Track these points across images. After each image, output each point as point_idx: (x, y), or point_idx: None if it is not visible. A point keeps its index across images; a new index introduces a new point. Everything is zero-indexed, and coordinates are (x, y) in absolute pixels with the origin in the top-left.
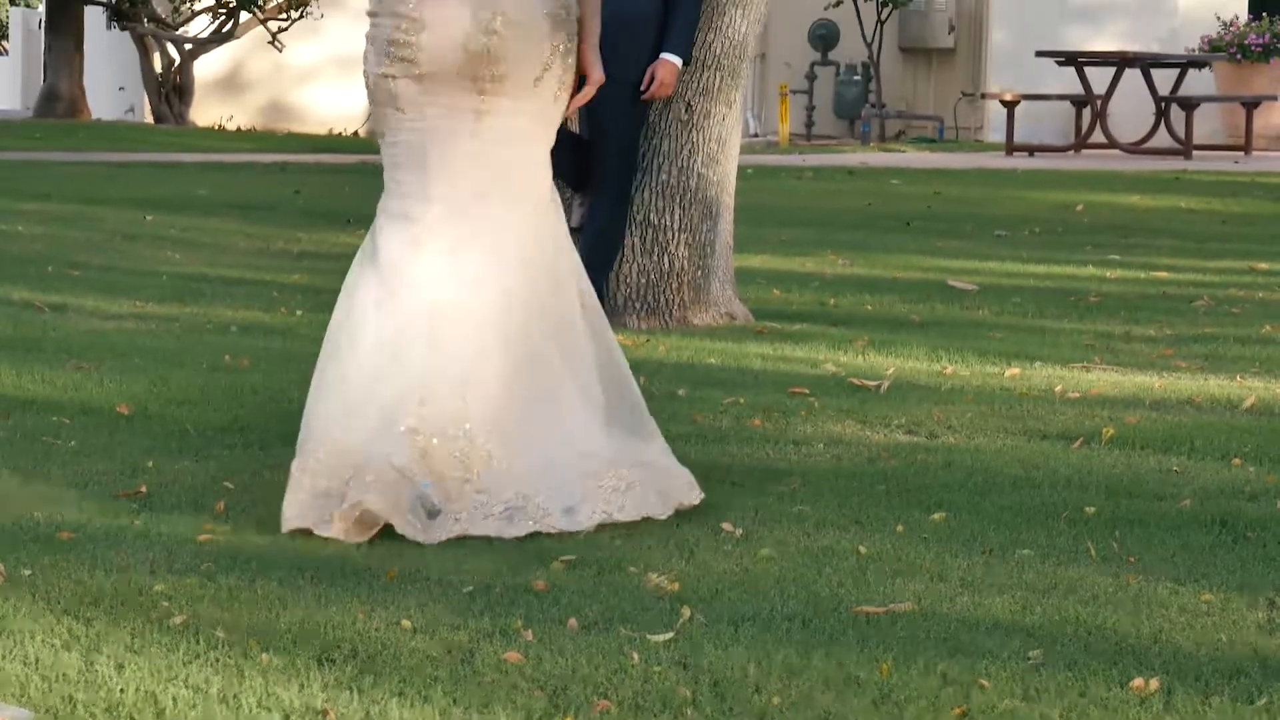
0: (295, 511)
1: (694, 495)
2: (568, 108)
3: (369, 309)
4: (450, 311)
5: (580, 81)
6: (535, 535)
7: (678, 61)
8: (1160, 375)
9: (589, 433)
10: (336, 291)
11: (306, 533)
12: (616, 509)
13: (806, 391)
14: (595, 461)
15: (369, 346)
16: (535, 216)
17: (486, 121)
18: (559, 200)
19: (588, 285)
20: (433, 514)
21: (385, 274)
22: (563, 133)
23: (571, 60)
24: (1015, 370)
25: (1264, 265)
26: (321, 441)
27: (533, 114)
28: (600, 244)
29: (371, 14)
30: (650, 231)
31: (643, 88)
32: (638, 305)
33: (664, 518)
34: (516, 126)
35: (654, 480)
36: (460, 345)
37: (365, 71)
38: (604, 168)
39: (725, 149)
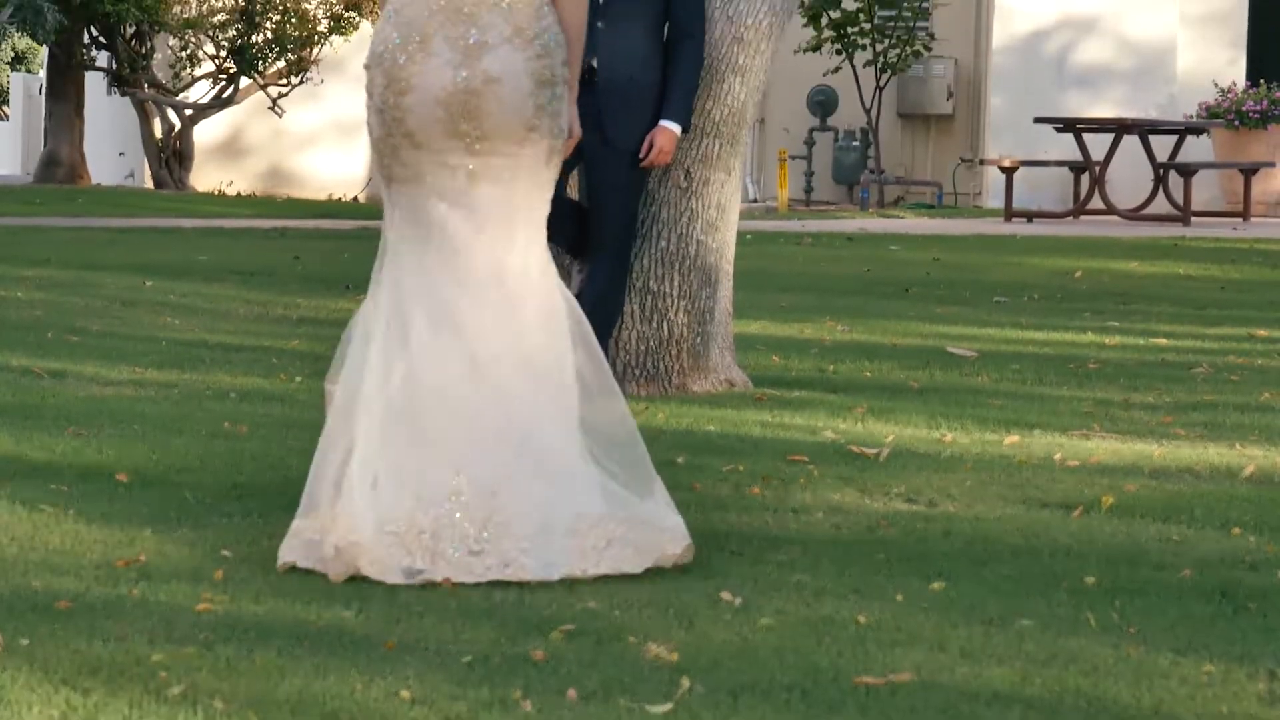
0: (288, 553)
1: (676, 548)
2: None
3: (368, 370)
4: (438, 380)
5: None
6: (533, 604)
7: (676, 129)
8: (1160, 443)
9: (584, 493)
10: None
11: (305, 599)
12: (591, 565)
13: (806, 459)
14: (584, 521)
15: (373, 413)
16: (526, 281)
17: (479, 181)
18: (553, 264)
19: (589, 349)
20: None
21: (384, 340)
22: (561, 199)
23: (562, 120)
24: (1014, 438)
25: (1263, 332)
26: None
27: (526, 173)
28: (599, 310)
29: (366, 67)
30: (649, 298)
31: (641, 155)
32: (637, 372)
33: (638, 571)
34: (509, 186)
35: (635, 536)
36: (451, 417)
37: (369, 128)
38: (603, 234)
39: (724, 216)
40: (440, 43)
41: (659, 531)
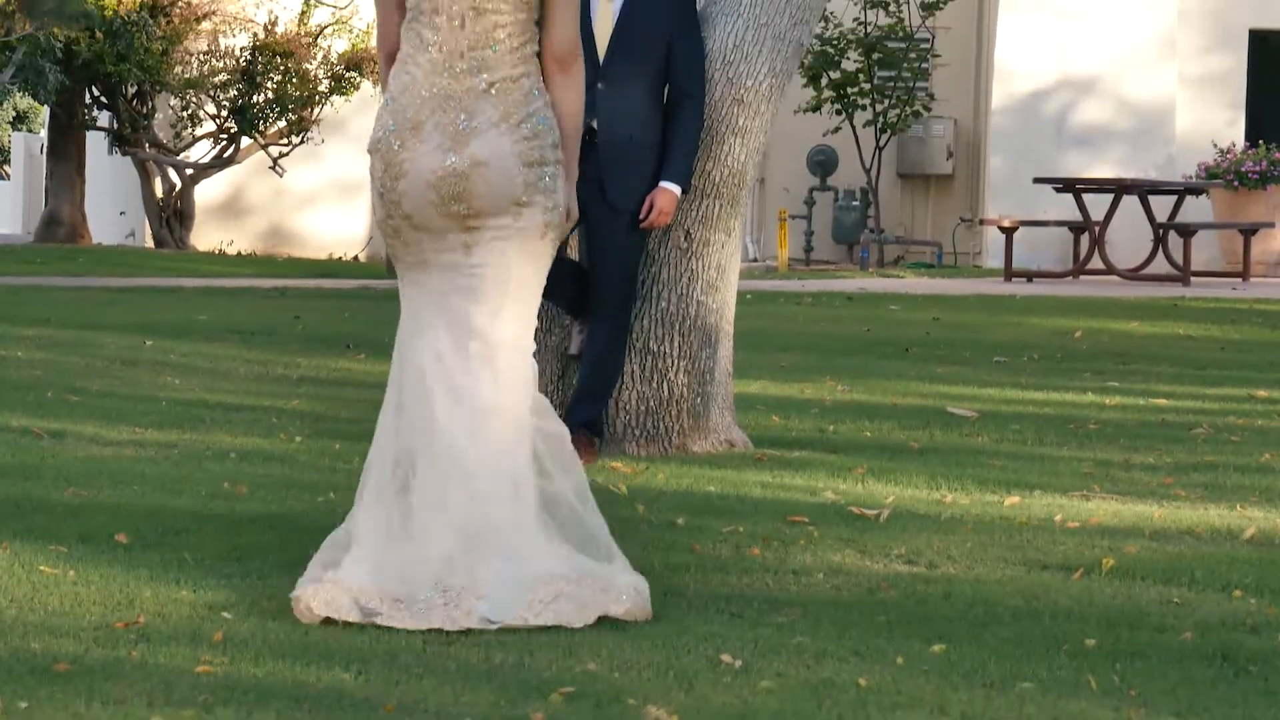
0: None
1: (619, 607)
2: (563, 228)
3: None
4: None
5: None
6: (533, 666)
7: (676, 190)
8: (1160, 504)
9: (542, 560)
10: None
11: (304, 661)
12: (533, 615)
13: (806, 520)
14: (539, 580)
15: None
16: (510, 353)
17: (474, 251)
18: (532, 346)
19: (552, 425)
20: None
21: (394, 398)
22: (562, 260)
23: (558, 197)
24: (1015, 499)
25: (1263, 393)
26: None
27: (518, 245)
28: (599, 371)
29: (369, 152)
30: (650, 359)
31: (641, 216)
32: (637, 432)
33: (579, 626)
34: (502, 254)
35: (580, 593)
36: (428, 477)
37: (373, 209)
38: (603, 295)
39: (725, 276)
40: (431, 129)
41: (604, 591)
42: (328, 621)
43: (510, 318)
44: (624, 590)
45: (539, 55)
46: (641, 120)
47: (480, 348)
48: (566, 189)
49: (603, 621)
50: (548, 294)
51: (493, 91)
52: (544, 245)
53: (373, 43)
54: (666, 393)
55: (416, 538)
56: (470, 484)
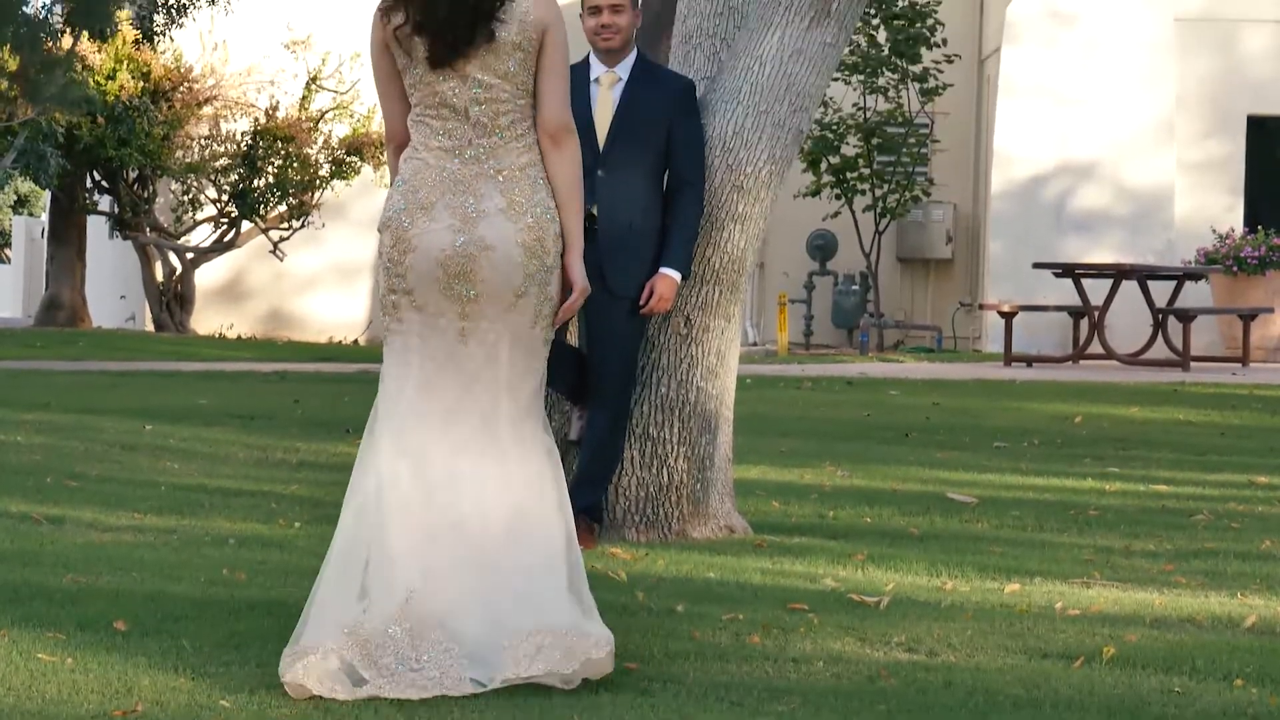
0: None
1: (600, 652)
2: (555, 317)
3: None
4: (406, 502)
5: (568, 292)
6: None
7: (676, 276)
8: (1161, 592)
9: (531, 608)
10: (336, 503)
11: None
12: (524, 670)
13: (806, 607)
14: (517, 636)
15: (345, 526)
16: (504, 430)
17: (470, 339)
18: (542, 424)
19: (559, 491)
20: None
21: (369, 461)
22: (562, 346)
23: (552, 288)
24: (1015, 586)
25: (1263, 479)
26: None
27: (511, 336)
28: (599, 457)
29: (379, 230)
30: (649, 444)
31: (641, 302)
32: (636, 518)
33: (569, 671)
34: (496, 345)
35: (562, 641)
36: (413, 537)
37: (379, 283)
38: (603, 381)
39: (724, 362)
40: (442, 210)
41: (584, 636)
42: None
43: (509, 401)
44: (600, 639)
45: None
46: (641, 206)
47: (476, 416)
48: (571, 261)
49: (603, 706)
50: (547, 381)
51: (500, 179)
52: (535, 334)
53: (374, 127)
54: (666, 478)
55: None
56: (457, 540)
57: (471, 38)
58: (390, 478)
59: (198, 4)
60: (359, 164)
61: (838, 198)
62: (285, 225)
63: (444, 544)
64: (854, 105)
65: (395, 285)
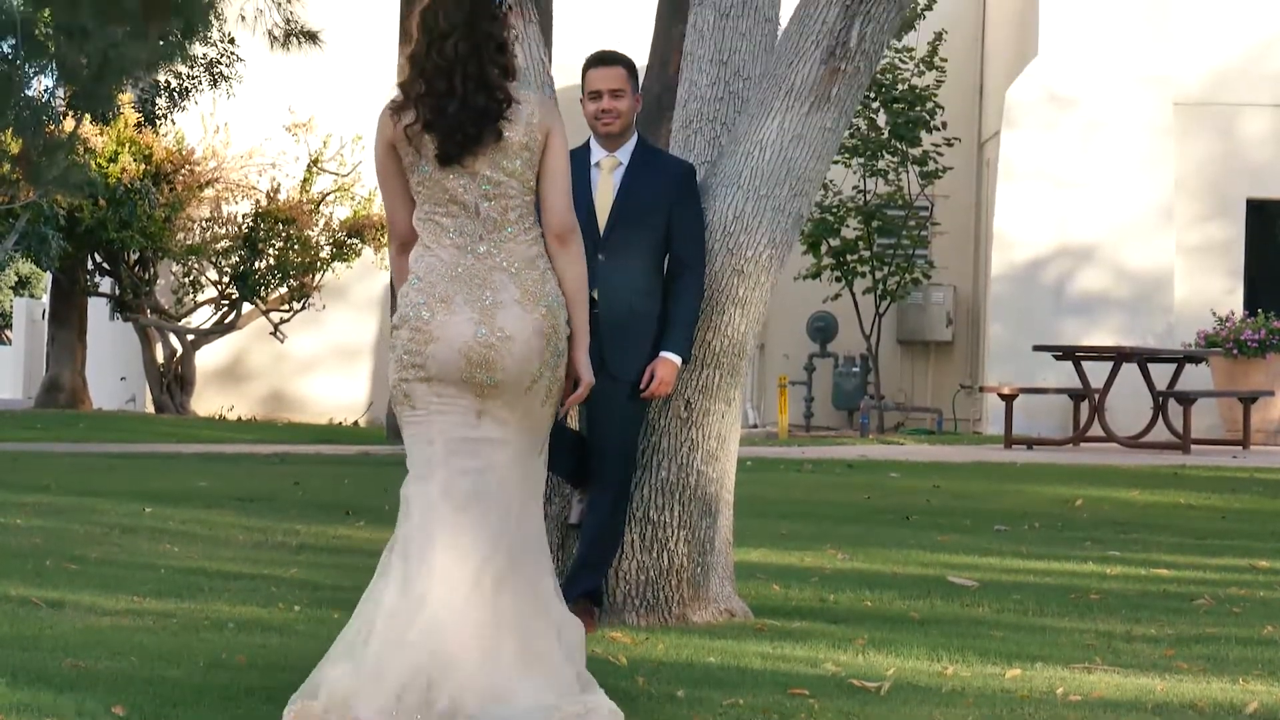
0: None
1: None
2: (563, 407)
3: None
4: (434, 589)
5: (575, 384)
6: None
7: (677, 360)
8: (1163, 677)
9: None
10: (335, 587)
11: None
12: None
13: (806, 693)
14: (527, 714)
15: (383, 614)
16: (518, 505)
17: (484, 418)
18: (539, 493)
19: (550, 579)
20: None
21: (400, 550)
22: (563, 431)
23: (560, 370)
24: (1016, 671)
25: (1265, 563)
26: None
27: (521, 416)
28: (600, 541)
29: (395, 327)
30: (650, 528)
31: (642, 386)
32: (637, 602)
33: None
34: (508, 426)
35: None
36: (443, 618)
37: (389, 375)
38: (603, 465)
39: (725, 446)
40: (461, 303)
41: (590, 712)
42: None
43: (520, 477)
44: (608, 715)
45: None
46: (642, 291)
47: (490, 492)
48: (579, 355)
49: None
50: (548, 464)
51: (512, 270)
52: (544, 411)
53: (374, 210)
54: (666, 562)
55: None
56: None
57: (480, 136)
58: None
59: (200, 87)
60: (360, 246)
61: (838, 280)
62: (286, 307)
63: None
64: (854, 188)
65: (412, 375)
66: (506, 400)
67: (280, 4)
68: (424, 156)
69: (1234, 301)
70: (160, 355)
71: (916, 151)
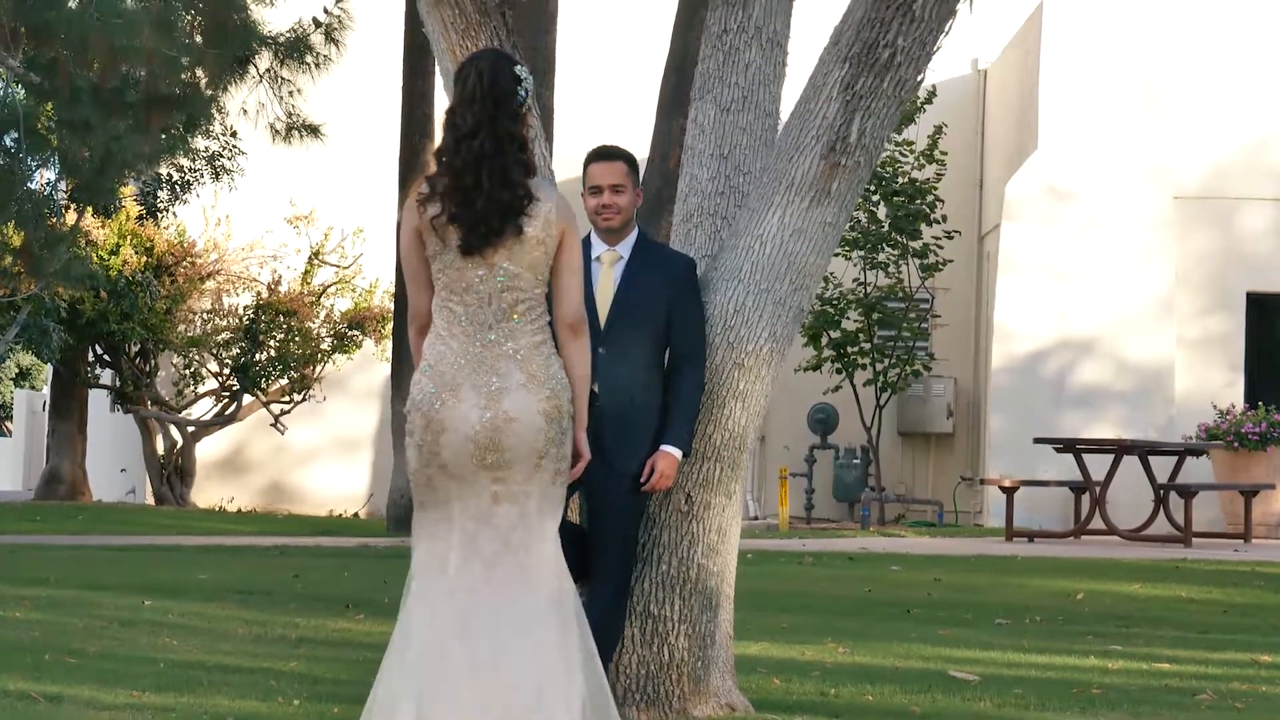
0: None
1: None
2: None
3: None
4: (449, 663)
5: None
6: None
7: (678, 454)
8: None
9: None
10: (335, 680)
11: None
12: None
13: None
14: None
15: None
16: (540, 578)
17: (502, 501)
18: (564, 570)
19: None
20: None
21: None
22: (564, 523)
23: (566, 449)
24: None
25: (1267, 657)
26: None
27: (539, 493)
28: (600, 635)
29: (407, 412)
30: (650, 622)
31: (643, 479)
32: (637, 696)
33: None
34: (524, 503)
35: None
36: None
37: (408, 461)
38: (604, 558)
39: (725, 539)
40: (468, 390)
41: None
42: None
43: (537, 550)
44: None
45: (551, 323)
46: (643, 384)
47: (513, 569)
48: (578, 434)
49: None
50: None
51: (518, 357)
52: (556, 490)
53: (375, 302)
54: (667, 656)
55: None
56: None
57: (502, 230)
58: (434, 649)
59: (202, 180)
60: (360, 338)
61: (838, 372)
62: (286, 398)
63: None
64: (855, 280)
65: (430, 461)
66: (520, 480)
67: (282, 98)
68: (448, 246)
69: (1234, 394)
70: (160, 447)
71: (917, 244)
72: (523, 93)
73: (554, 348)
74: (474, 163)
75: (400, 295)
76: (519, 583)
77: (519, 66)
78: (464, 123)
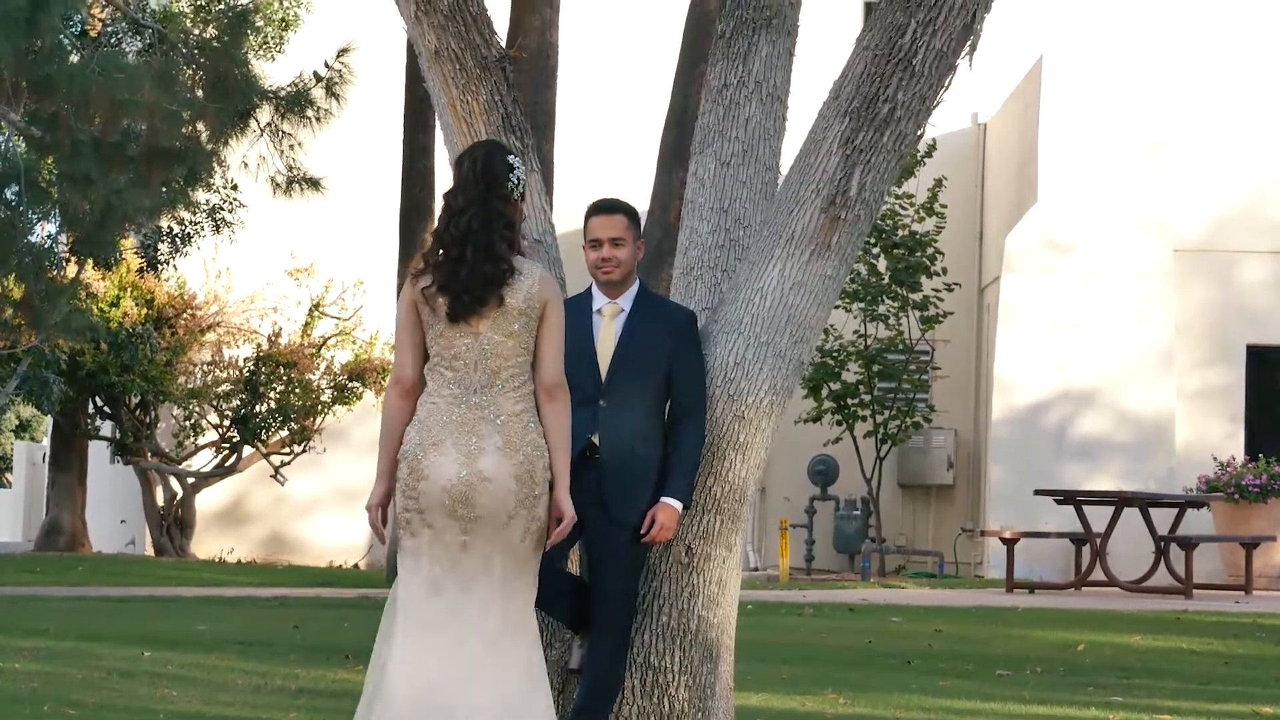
0: None
1: None
2: (549, 542)
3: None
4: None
5: (558, 521)
6: None
7: (678, 506)
8: None
9: None
10: None
11: None
12: None
13: None
14: None
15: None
16: (500, 625)
17: (469, 550)
18: (534, 631)
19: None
20: None
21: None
22: (563, 575)
23: (538, 510)
24: None
25: (1268, 709)
26: None
27: (504, 550)
28: (599, 687)
29: (398, 459)
30: (650, 674)
31: (643, 531)
32: None
33: None
34: (491, 557)
35: None
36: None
37: (395, 501)
38: (604, 609)
39: (725, 591)
40: (450, 447)
41: None
42: None
43: (501, 609)
44: None
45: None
46: (643, 435)
47: (480, 629)
48: (560, 495)
49: None
50: (548, 608)
51: (499, 422)
52: (524, 548)
53: (375, 354)
54: (667, 708)
55: None
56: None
57: (485, 300)
58: (402, 671)
59: (202, 233)
60: (360, 389)
61: (839, 423)
62: (286, 450)
63: None
64: (855, 332)
65: (410, 505)
66: (486, 534)
67: (283, 151)
68: (437, 315)
69: (1235, 446)
70: (160, 498)
71: (917, 296)
72: (514, 179)
73: (535, 416)
74: (461, 238)
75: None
76: (476, 650)
77: (512, 156)
78: (456, 202)
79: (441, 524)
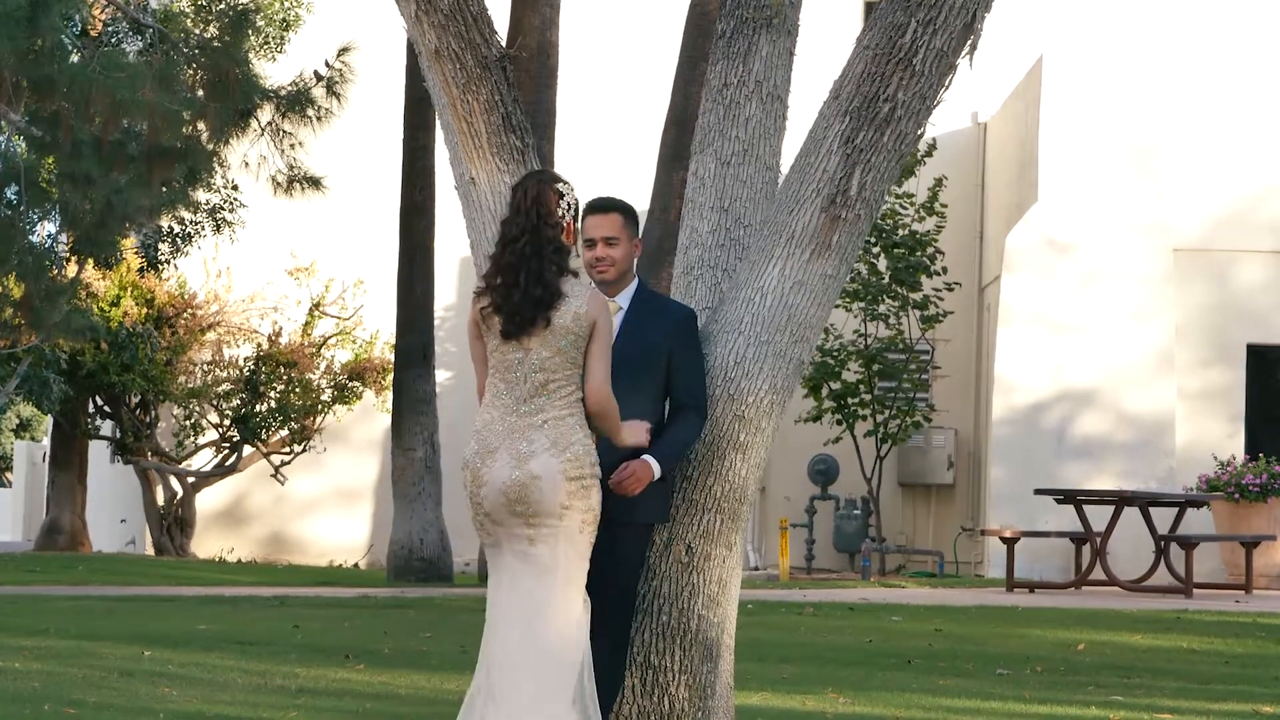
0: None
1: None
2: (597, 523)
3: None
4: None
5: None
6: None
7: (655, 467)
8: None
9: None
10: None
11: None
12: None
13: None
14: None
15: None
16: (563, 613)
17: (537, 544)
18: (588, 611)
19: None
20: None
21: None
22: None
23: (591, 500)
24: None
25: (1269, 708)
26: None
27: (565, 538)
28: (600, 685)
29: (462, 468)
30: (650, 673)
31: (614, 479)
32: None
33: None
34: (554, 546)
35: None
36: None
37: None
38: (603, 609)
39: (726, 590)
40: (504, 453)
41: None
42: None
43: (561, 590)
44: None
45: (583, 399)
46: None
47: (541, 609)
48: (632, 444)
49: None
50: None
51: (546, 426)
52: (583, 538)
53: (375, 352)
54: (667, 707)
55: None
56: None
57: (534, 320)
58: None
59: (203, 233)
60: (360, 389)
61: (839, 423)
62: (287, 449)
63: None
64: (855, 332)
65: (478, 510)
66: (549, 526)
67: (283, 151)
68: (493, 332)
69: (1235, 446)
70: (161, 497)
71: (917, 296)
72: (564, 206)
73: (581, 418)
74: (515, 263)
75: (400, 347)
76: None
77: (562, 184)
78: (510, 231)
79: (508, 522)
